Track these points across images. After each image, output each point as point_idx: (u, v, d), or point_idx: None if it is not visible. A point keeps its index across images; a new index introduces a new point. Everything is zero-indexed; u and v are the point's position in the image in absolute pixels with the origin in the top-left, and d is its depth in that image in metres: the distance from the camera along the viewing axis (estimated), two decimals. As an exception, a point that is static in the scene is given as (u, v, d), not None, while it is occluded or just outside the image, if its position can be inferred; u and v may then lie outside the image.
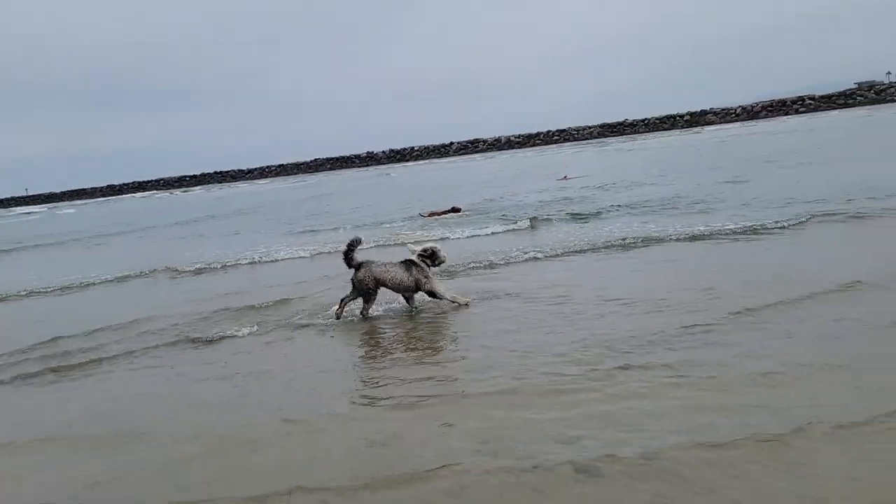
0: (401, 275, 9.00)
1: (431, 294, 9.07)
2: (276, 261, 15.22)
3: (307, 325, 8.77)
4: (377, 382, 6.37)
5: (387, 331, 8.30)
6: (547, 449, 4.60)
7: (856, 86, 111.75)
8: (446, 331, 8.02)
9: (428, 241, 12.15)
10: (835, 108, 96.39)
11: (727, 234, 11.92)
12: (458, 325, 8.14)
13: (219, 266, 14.95)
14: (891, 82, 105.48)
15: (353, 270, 9.07)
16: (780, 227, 11.83)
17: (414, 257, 9.10)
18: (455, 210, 21.65)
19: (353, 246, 9.12)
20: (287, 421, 5.59)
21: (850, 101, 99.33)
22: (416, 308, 9.09)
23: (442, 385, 6.08)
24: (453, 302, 8.94)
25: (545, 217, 17.35)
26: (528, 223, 16.43)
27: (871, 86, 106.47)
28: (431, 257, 9.11)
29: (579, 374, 5.88)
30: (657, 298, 8.01)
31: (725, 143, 47.32)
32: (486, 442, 4.81)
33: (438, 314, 8.74)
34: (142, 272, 15.09)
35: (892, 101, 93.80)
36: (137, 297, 12.56)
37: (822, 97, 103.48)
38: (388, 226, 20.42)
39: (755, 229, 11.91)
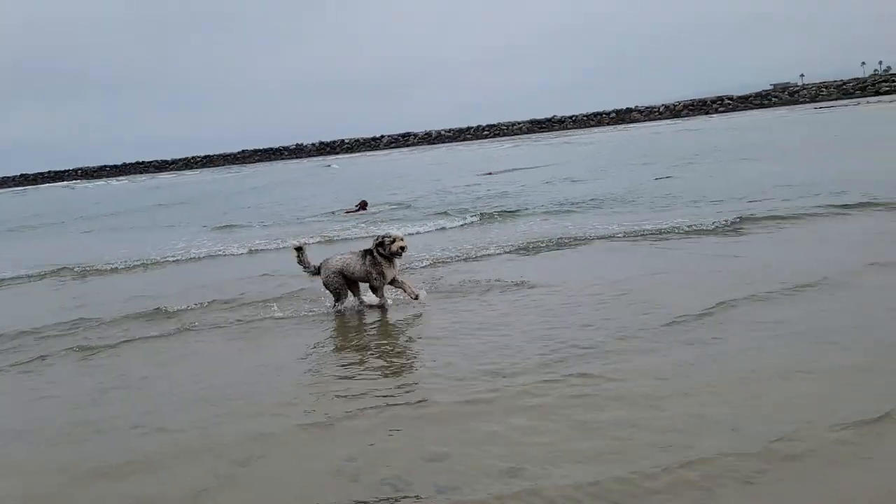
0: (355, 264, 8.55)
1: (373, 290, 8.59)
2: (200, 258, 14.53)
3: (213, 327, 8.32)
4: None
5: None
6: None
7: (771, 87, 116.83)
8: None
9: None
10: (752, 108, 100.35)
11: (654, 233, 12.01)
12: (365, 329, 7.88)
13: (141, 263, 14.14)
14: (803, 84, 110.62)
15: (317, 276, 8.79)
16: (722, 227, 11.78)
17: (371, 246, 8.51)
18: (363, 206, 21.20)
19: (300, 253, 8.83)
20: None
21: (766, 102, 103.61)
22: (387, 303, 8.59)
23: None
24: (384, 306, 8.54)
25: (488, 212, 17.24)
26: (478, 218, 16.37)
27: (784, 87, 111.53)
28: (381, 245, 8.43)
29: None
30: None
31: (659, 139, 48.27)
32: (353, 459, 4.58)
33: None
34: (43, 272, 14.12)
35: (804, 102, 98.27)
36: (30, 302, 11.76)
37: (740, 97, 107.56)
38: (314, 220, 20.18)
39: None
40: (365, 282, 8.66)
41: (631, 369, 5.65)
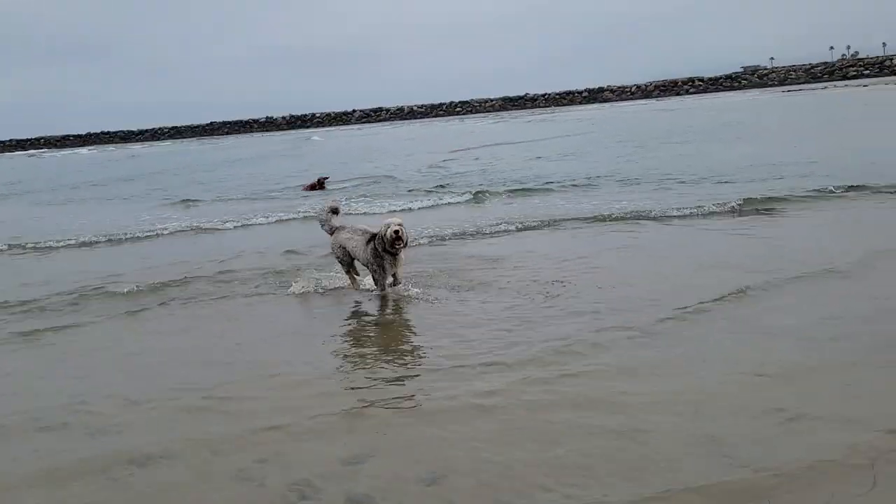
0: (358, 247, 7.87)
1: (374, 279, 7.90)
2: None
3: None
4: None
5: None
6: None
7: (742, 69, 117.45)
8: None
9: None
10: (722, 90, 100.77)
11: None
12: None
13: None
14: (773, 67, 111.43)
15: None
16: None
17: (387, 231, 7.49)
18: (321, 183, 20.47)
19: (332, 213, 8.42)
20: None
21: (736, 84, 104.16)
22: (389, 293, 7.72)
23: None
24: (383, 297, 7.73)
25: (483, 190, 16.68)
26: (472, 196, 15.86)
27: (755, 70, 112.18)
28: (376, 240, 7.62)
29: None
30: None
31: (642, 119, 47.95)
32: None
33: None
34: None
35: (773, 85, 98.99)
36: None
37: (711, 79, 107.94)
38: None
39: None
40: (363, 265, 8.06)
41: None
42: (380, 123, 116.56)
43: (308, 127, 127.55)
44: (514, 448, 4.12)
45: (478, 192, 16.24)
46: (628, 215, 11.60)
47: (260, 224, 14.42)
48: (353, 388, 5.27)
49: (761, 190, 12.85)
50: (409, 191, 18.50)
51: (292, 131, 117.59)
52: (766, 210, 11.22)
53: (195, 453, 4.36)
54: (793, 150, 19.81)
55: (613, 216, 11.67)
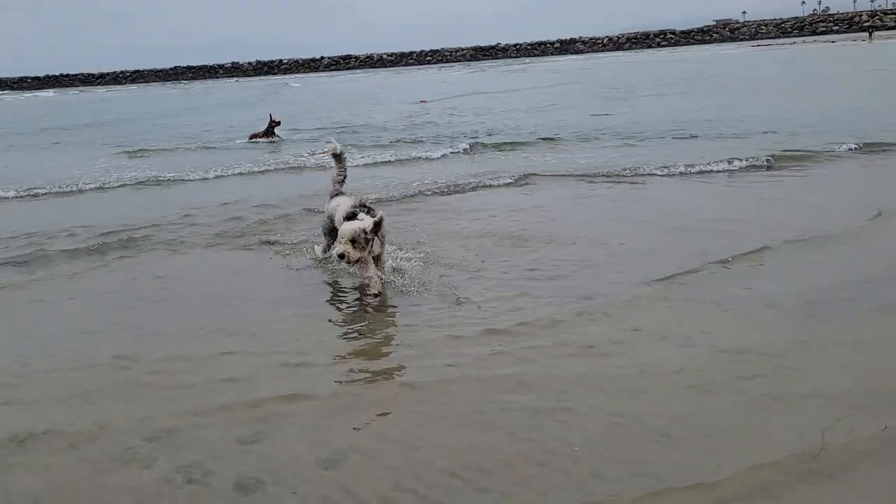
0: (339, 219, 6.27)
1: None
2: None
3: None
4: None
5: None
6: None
7: (714, 23, 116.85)
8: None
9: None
10: (693, 43, 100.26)
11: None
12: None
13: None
14: (745, 21, 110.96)
15: None
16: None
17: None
18: (271, 128, 18.97)
19: (338, 161, 6.93)
20: None
21: (708, 38, 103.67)
22: (375, 284, 6.01)
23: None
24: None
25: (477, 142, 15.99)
26: (468, 147, 15.21)
27: (726, 24, 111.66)
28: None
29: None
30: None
31: (620, 70, 47.57)
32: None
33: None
34: None
35: (744, 39, 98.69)
36: None
37: (683, 32, 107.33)
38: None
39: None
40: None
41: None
42: (349, 71, 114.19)
43: (275, 73, 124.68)
44: (431, 430, 3.87)
45: (472, 144, 15.51)
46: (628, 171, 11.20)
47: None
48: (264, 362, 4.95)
49: (786, 144, 12.64)
50: (393, 142, 17.53)
51: (260, 78, 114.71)
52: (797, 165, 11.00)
53: (83, 430, 4.03)
54: (792, 105, 19.47)
55: (620, 172, 11.18)
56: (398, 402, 4.20)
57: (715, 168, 10.94)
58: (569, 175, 11.38)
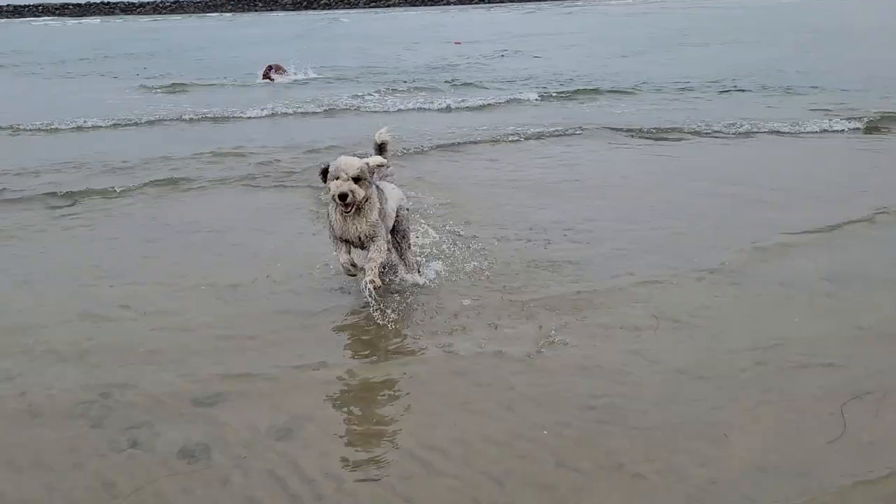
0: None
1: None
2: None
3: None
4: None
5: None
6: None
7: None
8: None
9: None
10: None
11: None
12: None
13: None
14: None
15: None
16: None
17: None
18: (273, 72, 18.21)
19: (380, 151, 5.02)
20: None
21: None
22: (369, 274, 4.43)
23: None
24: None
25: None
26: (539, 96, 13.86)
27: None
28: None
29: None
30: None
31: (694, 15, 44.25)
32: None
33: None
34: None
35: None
36: None
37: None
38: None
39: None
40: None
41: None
42: (388, 9, 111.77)
43: (314, 8, 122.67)
44: (398, 409, 3.63)
45: (559, 92, 14.31)
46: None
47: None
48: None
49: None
50: (463, 83, 16.40)
51: (299, 12, 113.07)
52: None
53: (36, 381, 3.87)
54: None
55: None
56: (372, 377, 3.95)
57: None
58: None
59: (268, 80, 18.15)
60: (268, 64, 18.63)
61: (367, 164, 4.41)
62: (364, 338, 4.30)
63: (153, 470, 3.12)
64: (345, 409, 3.60)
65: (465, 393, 3.65)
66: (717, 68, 16.84)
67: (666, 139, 9.82)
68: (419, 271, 5.03)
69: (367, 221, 4.41)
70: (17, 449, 3.30)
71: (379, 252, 4.42)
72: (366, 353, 4.13)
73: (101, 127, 11.87)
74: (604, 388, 3.65)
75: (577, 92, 14.26)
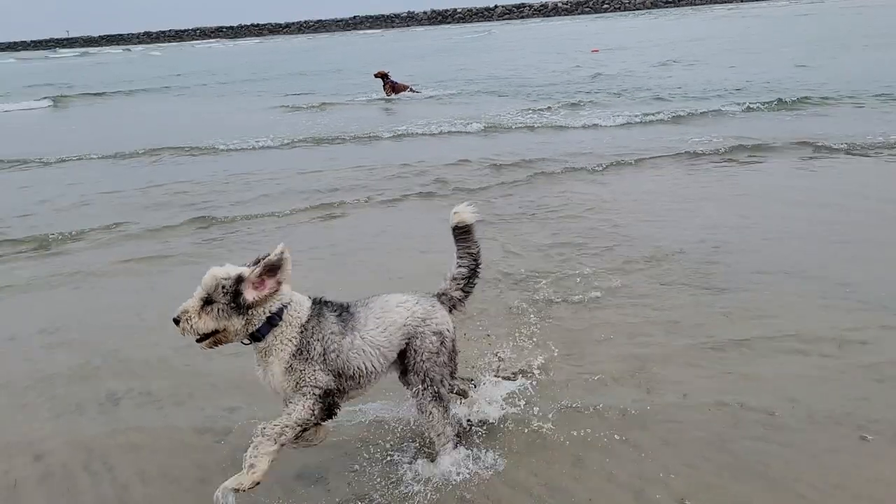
0: None
1: None
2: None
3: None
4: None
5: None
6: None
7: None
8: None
9: None
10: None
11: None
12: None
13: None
14: None
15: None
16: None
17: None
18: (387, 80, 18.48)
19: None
20: None
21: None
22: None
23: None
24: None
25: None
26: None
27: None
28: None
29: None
30: None
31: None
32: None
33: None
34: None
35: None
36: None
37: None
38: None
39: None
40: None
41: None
42: (521, 20, 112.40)
43: (448, 23, 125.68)
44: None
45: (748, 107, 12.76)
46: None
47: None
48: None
49: None
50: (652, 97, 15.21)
51: (434, 27, 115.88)
52: None
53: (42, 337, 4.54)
54: None
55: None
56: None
57: None
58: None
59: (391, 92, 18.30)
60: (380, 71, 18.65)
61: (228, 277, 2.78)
62: None
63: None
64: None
65: None
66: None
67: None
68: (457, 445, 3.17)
69: (279, 363, 2.84)
70: None
71: (287, 417, 2.80)
72: None
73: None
74: None
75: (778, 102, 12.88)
